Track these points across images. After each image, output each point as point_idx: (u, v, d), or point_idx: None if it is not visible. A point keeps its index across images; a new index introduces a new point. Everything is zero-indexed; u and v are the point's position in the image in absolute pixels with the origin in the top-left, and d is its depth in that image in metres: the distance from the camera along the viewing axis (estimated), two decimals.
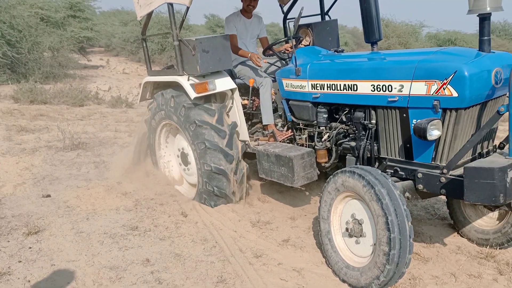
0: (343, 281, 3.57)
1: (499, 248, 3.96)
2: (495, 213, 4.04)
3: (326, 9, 5.70)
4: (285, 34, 5.93)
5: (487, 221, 4.11)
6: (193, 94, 4.56)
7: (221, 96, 4.92)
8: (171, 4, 4.54)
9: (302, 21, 5.41)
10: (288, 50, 4.92)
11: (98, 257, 3.81)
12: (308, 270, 3.74)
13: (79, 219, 4.46)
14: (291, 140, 4.82)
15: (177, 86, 4.83)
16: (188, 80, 4.64)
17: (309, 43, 5.28)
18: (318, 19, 5.70)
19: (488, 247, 4.00)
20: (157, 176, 5.39)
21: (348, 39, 26.54)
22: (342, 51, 4.69)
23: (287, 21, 4.42)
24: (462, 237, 4.27)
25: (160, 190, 5.13)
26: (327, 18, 5.67)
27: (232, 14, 5.38)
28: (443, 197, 4.75)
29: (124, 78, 17.74)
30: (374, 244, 3.31)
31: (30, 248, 3.91)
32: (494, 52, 3.38)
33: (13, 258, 3.73)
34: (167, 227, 4.39)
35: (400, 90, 3.53)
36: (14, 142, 6.97)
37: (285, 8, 5.93)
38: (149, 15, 5.08)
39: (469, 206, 4.20)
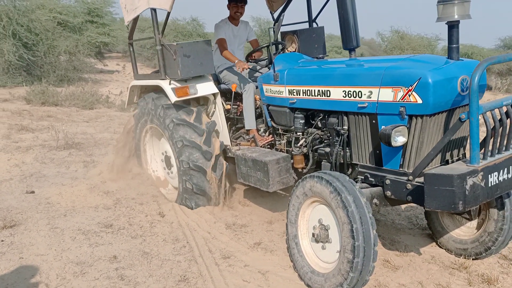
0: (308, 285, 3.55)
1: (476, 258, 3.92)
2: (473, 223, 3.99)
3: (313, 16, 5.72)
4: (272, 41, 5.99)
5: (465, 231, 4.06)
6: (173, 98, 4.63)
7: (204, 101, 4.96)
8: (154, 9, 4.65)
9: (289, 28, 5.45)
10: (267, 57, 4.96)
11: (67, 252, 3.88)
12: (274, 273, 3.74)
13: (56, 215, 4.55)
14: (272, 145, 4.84)
15: (160, 90, 4.90)
16: (170, 84, 4.71)
17: (295, 49, 5.31)
18: (305, 26, 5.73)
19: (466, 256, 3.95)
20: (142, 176, 5.45)
21: (364, 51, 26.45)
22: (323, 57, 4.71)
23: (270, 28, 4.45)
24: (441, 247, 4.21)
25: (143, 190, 5.19)
26: (314, 25, 5.69)
27: (221, 21, 5.46)
28: None
29: None
30: (339, 251, 3.30)
31: (2, 241, 4.00)
32: (462, 60, 3.36)
33: None
34: (142, 226, 4.44)
35: (369, 97, 3.53)
36: (11, 140, 7.15)
37: (275, 15, 5.98)
38: (135, 20, 5.18)
39: (447, 216, 4.15)
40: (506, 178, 3.10)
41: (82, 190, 5.12)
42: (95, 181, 5.40)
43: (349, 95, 3.69)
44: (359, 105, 3.62)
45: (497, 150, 3.13)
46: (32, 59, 13.97)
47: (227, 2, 5.36)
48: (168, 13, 4.51)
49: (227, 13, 5.44)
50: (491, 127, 3.06)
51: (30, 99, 11.28)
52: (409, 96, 3.24)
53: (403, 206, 5.26)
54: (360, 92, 3.60)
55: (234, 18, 5.39)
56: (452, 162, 3.60)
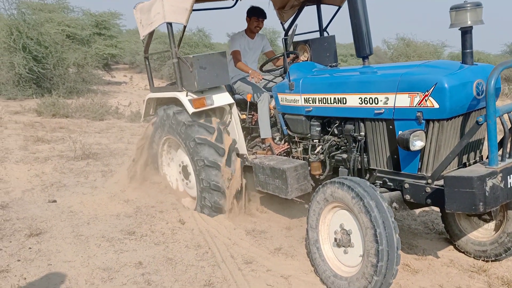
0: None
1: (496, 259, 3.97)
2: (491, 224, 4.05)
3: (324, 25, 5.84)
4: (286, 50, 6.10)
5: (483, 233, 4.12)
6: (191, 109, 4.74)
7: (220, 111, 5.07)
8: (170, 24, 4.77)
9: (301, 38, 5.57)
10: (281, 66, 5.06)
11: (93, 259, 3.97)
12: (296, 277, 3.81)
13: (80, 223, 4.66)
14: (288, 153, 4.92)
15: (177, 102, 5.00)
16: (187, 95, 4.82)
17: (307, 58, 5.42)
18: (316, 35, 5.84)
19: (485, 258, 4.00)
20: (160, 184, 5.55)
21: (370, 58, 26.44)
22: (336, 66, 4.81)
23: (284, 38, 4.56)
24: (459, 250, 4.26)
25: (162, 198, 5.28)
26: (325, 34, 5.80)
27: (238, 33, 5.59)
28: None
29: (145, 94, 17.97)
30: (362, 255, 3.37)
31: (30, 248, 4.10)
32: (476, 65, 3.46)
33: (13, 257, 3.92)
34: (164, 233, 4.53)
35: (385, 103, 3.62)
36: (29, 151, 7.28)
37: (286, 25, 6.10)
38: (151, 34, 5.30)
39: (464, 218, 4.21)
40: None
41: (103, 199, 5.23)
42: (115, 190, 5.50)
43: (365, 102, 3.79)
44: (376, 111, 3.71)
45: None
46: (42, 71, 14.12)
47: (246, 15, 5.48)
48: (184, 27, 4.62)
49: (232, 24, 5.58)
50: (509, 129, 3.14)
51: (41, 111, 11.41)
52: (426, 101, 3.33)
53: (417, 211, 5.33)
54: (376, 99, 3.70)
55: (252, 32, 5.51)
56: (470, 164, 3.68)
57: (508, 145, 3.20)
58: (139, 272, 3.79)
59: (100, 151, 7.57)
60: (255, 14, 5.41)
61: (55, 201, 5.29)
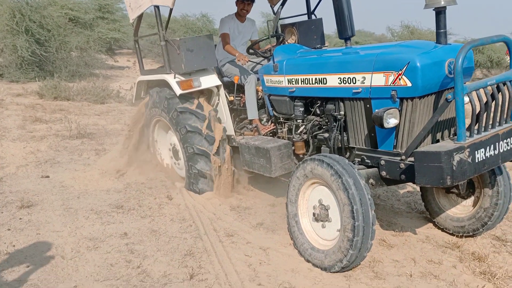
0: (308, 261, 3.76)
1: (474, 234, 4.11)
2: (468, 201, 4.19)
3: (312, 8, 5.90)
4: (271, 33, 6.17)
5: (461, 209, 4.25)
6: (178, 91, 4.87)
7: (208, 94, 5.20)
8: (157, 6, 4.88)
9: (289, 21, 5.64)
10: (269, 50, 5.15)
11: (80, 230, 4.15)
12: (274, 250, 3.96)
13: (70, 197, 4.83)
14: (274, 134, 5.04)
15: (166, 84, 5.12)
16: (175, 77, 4.94)
17: (295, 41, 5.50)
18: (304, 18, 5.91)
19: (464, 234, 4.14)
20: (151, 162, 5.69)
21: None
22: (321, 47, 4.90)
23: (269, 21, 4.66)
24: (438, 227, 4.39)
25: (152, 175, 5.44)
26: (313, 17, 5.88)
27: (227, 16, 5.66)
28: None
29: None
30: (339, 230, 3.50)
31: (20, 219, 4.29)
32: (450, 44, 3.55)
33: (3, 227, 4.11)
34: (151, 207, 4.69)
35: (362, 82, 3.73)
36: (26, 130, 7.46)
37: (275, 8, 6.16)
38: (140, 17, 5.41)
39: (443, 196, 4.34)
40: (493, 154, 3.29)
41: (94, 175, 5.40)
42: (106, 166, 5.66)
43: (344, 82, 3.89)
44: (354, 91, 3.81)
45: (483, 128, 3.31)
46: (44, 54, 14.21)
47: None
48: (171, 10, 4.72)
49: (235, 9, 5.63)
50: (477, 106, 3.24)
51: (42, 93, 11.54)
52: (400, 80, 3.43)
53: (401, 192, 5.46)
54: (354, 78, 3.80)
55: (240, 15, 5.59)
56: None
57: (477, 122, 3.30)
58: (123, 242, 3.96)
59: (96, 131, 7.73)
60: None
61: (48, 176, 5.46)
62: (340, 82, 3.93)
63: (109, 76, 16.99)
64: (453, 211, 4.29)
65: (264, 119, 5.19)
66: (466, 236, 4.14)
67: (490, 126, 3.38)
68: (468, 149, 3.14)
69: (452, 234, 4.24)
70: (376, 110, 3.54)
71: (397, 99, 3.51)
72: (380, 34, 32.36)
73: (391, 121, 3.48)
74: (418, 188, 5.40)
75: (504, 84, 3.42)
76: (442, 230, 4.34)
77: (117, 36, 20.34)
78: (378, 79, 3.61)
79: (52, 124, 8.08)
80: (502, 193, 3.91)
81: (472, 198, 4.15)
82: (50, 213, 4.44)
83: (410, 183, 4.39)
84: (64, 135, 7.29)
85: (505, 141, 3.40)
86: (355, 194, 3.29)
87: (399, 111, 3.53)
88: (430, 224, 4.51)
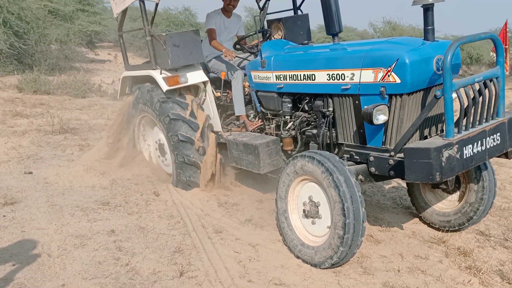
0: (298, 257, 3.77)
1: (459, 228, 4.17)
2: (454, 196, 4.25)
3: (298, 4, 5.89)
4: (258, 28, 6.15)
5: (447, 204, 4.31)
6: (165, 87, 4.82)
7: (195, 90, 5.15)
8: (143, 1, 4.81)
9: (275, 16, 5.63)
10: (257, 45, 5.14)
11: (66, 227, 4.09)
12: (263, 246, 3.96)
13: (55, 193, 4.75)
14: (261, 130, 5.03)
15: (152, 80, 5.07)
16: (161, 73, 4.88)
17: (281, 36, 5.49)
18: (291, 14, 5.91)
19: (449, 228, 4.20)
20: (136, 158, 5.63)
21: None
22: (308, 43, 4.89)
23: (256, 16, 4.62)
24: (425, 222, 4.44)
25: (138, 171, 5.38)
26: (299, 13, 5.87)
27: (213, 11, 5.61)
28: None
29: None
30: (330, 227, 3.51)
31: (4, 216, 4.20)
32: (437, 41, 3.58)
33: None
34: (138, 204, 4.65)
35: (351, 78, 3.74)
36: (7, 125, 7.31)
37: (261, 4, 6.14)
38: (124, 12, 5.33)
39: (429, 191, 4.39)
40: (480, 150, 3.33)
41: (78, 171, 5.32)
42: (90, 162, 5.58)
43: (333, 78, 3.90)
44: (343, 87, 3.82)
45: (471, 124, 3.36)
46: (23, 47, 13.94)
47: None
48: (157, 4, 4.65)
49: (219, 3, 5.59)
50: (465, 103, 3.28)
51: (22, 87, 11.33)
52: (389, 76, 3.45)
53: (387, 187, 5.51)
54: (343, 75, 3.81)
55: (227, 10, 5.54)
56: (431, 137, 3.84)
57: (464, 119, 3.34)
58: (111, 239, 3.91)
59: (78, 126, 7.62)
60: None
61: (31, 172, 5.36)
62: (328, 79, 3.94)
63: (90, 69, 16.76)
64: (439, 206, 4.34)
65: (251, 115, 5.18)
66: (451, 231, 4.20)
67: (477, 123, 3.42)
68: (457, 146, 3.17)
69: (438, 229, 4.29)
70: (366, 106, 3.55)
71: (386, 96, 3.53)
72: (362, 30, 32.57)
73: (380, 118, 3.50)
74: (403, 184, 5.47)
75: (491, 80, 3.47)
76: (428, 224, 4.40)
77: (98, 29, 20.02)
78: (367, 76, 3.62)
79: (34, 119, 7.94)
80: (487, 188, 3.97)
81: (458, 193, 4.21)
82: (35, 210, 4.36)
83: (395, 179, 4.43)
84: (47, 130, 7.17)
85: (491, 137, 3.45)
86: (346, 192, 3.31)
87: (388, 107, 3.55)
88: (416, 219, 4.56)
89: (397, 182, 5.55)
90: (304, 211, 3.72)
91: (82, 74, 14.34)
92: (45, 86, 11.46)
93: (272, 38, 5.43)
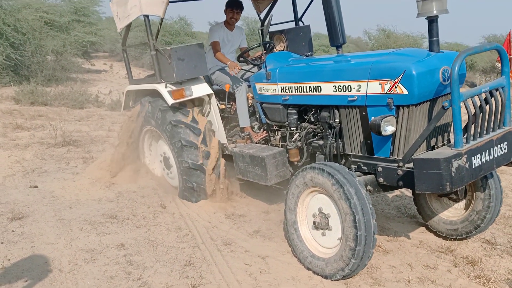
0: (308, 268, 3.78)
1: (467, 236, 4.19)
2: (460, 204, 4.27)
3: (299, 15, 5.95)
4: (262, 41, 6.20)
5: (454, 212, 4.33)
6: (170, 101, 4.83)
7: (199, 102, 5.18)
8: (147, 16, 4.84)
9: (277, 28, 5.67)
10: (260, 57, 5.18)
11: (76, 241, 4.08)
12: (273, 258, 3.97)
13: (62, 207, 4.75)
14: (266, 141, 5.05)
15: (156, 94, 5.07)
16: (166, 87, 4.90)
17: (283, 48, 5.53)
18: (292, 25, 5.95)
19: (457, 236, 4.22)
20: (141, 170, 5.63)
21: (351, 49, 26.82)
22: (311, 55, 4.94)
23: (260, 29, 4.65)
24: (431, 231, 4.46)
25: (143, 183, 5.39)
26: (300, 24, 5.92)
27: (216, 25, 5.66)
28: None
29: (126, 82, 17.65)
30: (340, 239, 3.52)
31: (13, 231, 4.19)
32: (442, 52, 3.64)
33: None
34: (145, 216, 4.64)
35: (358, 90, 3.77)
36: (9, 138, 7.29)
37: (262, 16, 6.19)
38: (128, 26, 5.35)
39: (435, 200, 4.42)
40: (488, 160, 3.37)
41: (84, 184, 5.32)
42: (96, 175, 5.58)
43: (339, 90, 3.93)
44: (349, 99, 3.85)
45: (478, 134, 3.39)
46: (19, 59, 13.92)
47: (224, 7, 5.52)
48: (162, 19, 4.68)
49: (214, 12, 5.62)
50: (472, 113, 3.32)
51: (19, 99, 11.31)
52: (396, 88, 3.49)
53: (391, 196, 5.54)
54: (349, 86, 3.84)
55: (229, 24, 5.58)
56: (438, 147, 3.88)
57: (472, 128, 3.38)
58: (121, 253, 3.91)
59: (80, 138, 7.61)
60: (232, 6, 5.47)
61: (36, 186, 5.35)
62: (335, 90, 3.97)
63: (87, 80, 16.75)
64: (446, 214, 4.37)
65: (256, 127, 5.20)
66: (459, 239, 4.23)
67: (484, 132, 3.46)
68: (466, 155, 3.20)
69: (445, 237, 4.32)
70: (373, 117, 3.58)
71: (393, 107, 3.57)
72: (357, 37, 32.79)
73: (388, 129, 3.54)
74: (406, 192, 5.51)
75: (497, 90, 3.52)
76: (435, 233, 4.42)
77: (94, 39, 20.05)
78: (374, 87, 3.66)
79: (35, 131, 7.92)
80: (493, 196, 4.01)
81: (464, 201, 4.24)
82: (43, 225, 4.35)
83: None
84: (49, 142, 7.16)
85: (499, 146, 3.49)
86: (357, 204, 3.33)
87: (396, 118, 3.59)
88: (422, 228, 4.59)
89: (400, 191, 5.59)
90: (314, 223, 3.73)
91: (79, 85, 14.33)
92: (42, 97, 11.46)
93: (275, 50, 5.47)
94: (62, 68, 15.73)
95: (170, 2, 4.60)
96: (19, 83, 13.21)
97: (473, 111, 3.32)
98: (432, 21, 3.45)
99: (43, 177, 5.71)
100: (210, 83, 5.49)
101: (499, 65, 3.83)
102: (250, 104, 5.23)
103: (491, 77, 21.91)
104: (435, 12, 3.37)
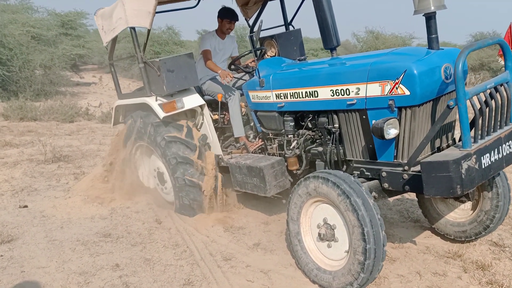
0: (314, 282, 3.61)
1: (476, 238, 4.05)
2: (467, 204, 4.12)
3: (289, 19, 5.81)
4: (253, 47, 6.05)
5: (461, 214, 4.18)
6: (161, 114, 4.66)
7: (191, 114, 5.02)
8: (133, 28, 4.67)
9: (267, 33, 5.53)
10: (252, 64, 5.02)
11: (68, 263, 3.88)
12: (276, 272, 3.80)
13: (53, 227, 4.55)
14: (263, 150, 4.89)
15: (147, 108, 4.90)
16: (156, 100, 4.73)
17: (275, 53, 5.38)
18: (282, 30, 5.80)
19: (465, 238, 4.08)
20: (135, 184, 5.44)
21: (340, 52, 26.73)
22: (305, 59, 4.79)
23: (250, 35, 4.50)
24: (439, 234, 4.31)
25: (137, 199, 5.19)
26: (291, 28, 5.78)
27: (209, 33, 5.49)
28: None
29: (116, 94, 17.85)
30: (348, 252, 3.36)
31: (1, 256, 3.98)
32: (443, 49, 3.50)
33: None
34: (140, 233, 4.46)
35: (357, 93, 3.62)
36: None
37: (251, 22, 6.05)
38: (114, 40, 5.18)
39: (441, 201, 4.26)
40: (497, 158, 3.22)
41: (76, 202, 5.12)
42: (88, 192, 5.38)
43: (337, 94, 3.77)
44: (348, 102, 3.69)
45: (486, 133, 3.25)
46: (7, 74, 13.78)
47: (217, 16, 5.35)
48: (149, 31, 4.51)
49: (202, 21, 5.48)
50: (479, 111, 3.18)
51: (8, 115, 11.15)
52: (397, 89, 3.34)
53: (392, 199, 5.38)
54: (348, 90, 3.68)
55: (223, 33, 5.42)
56: (443, 148, 3.72)
57: (479, 127, 3.24)
58: (116, 275, 3.71)
59: (71, 153, 7.41)
60: (228, 17, 5.31)
61: (26, 206, 5.15)
62: (332, 94, 3.82)
63: (76, 93, 16.57)
64: (453, 216, 4.22)
65: (251, 136, 5.04)
66: (467, 241, 4.10)
67: (492, 130, 3.32)
68: (475, 156, 3.05)
69: (453, 240, 4.18)
70: (375, 121, 3.43)
71: (395, 109, 3.41)
72: (345, 40, 32.76)
73: (391, 132, 3.38)
74: (407, 195, 5.35)
75: (501, 85, 3.39)
76: (443, 236, 4.27)
77: (82, 52, 19.91)
78: (373, 89, 3.50)
79: (24, 148, 7.71)
80: (502, 194, 3.87)
81: (471, 201, 4.08)
82: (34, 247, 4.15)
83: None
84: (39, 159, 6.95)
85: (507, 143, 3.35)
86: (365, 215, 3.15)
87: (398, 120, 3.44)
88: (427, 233, 4.45)
89: (401, 195, 5.43)
90: (319, 234, 3.54)
91: (69, 98, 14.15)
92: (31, 112, 11.30)
93: (266, 55, 5.32)
94: (51, 82, 15.59)
95: (157, 12, 4.43)
96: (8, 99, 13.02)
97: (479, 108, 3.18)
98: (430, 18, 3.31)
99: (33, 196, 5.50)
100: (202, 93, 5.32)
101: (501, 60, 3.71)
102: (244, 112, 5.06)
103: (480, 75, 21.95)
104: (432, 8, 3.22)
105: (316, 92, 3.96)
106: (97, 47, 22.11)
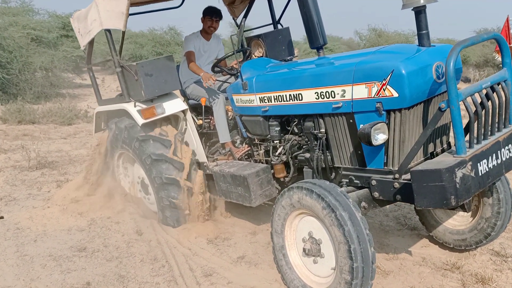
0: None
1: (477, 247, 3.81)
2: None
3: (277, 18, 5.55)
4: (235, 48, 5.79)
5: (460, 221, 3.93)
6: (141, 121, 4.43)
7: (174, 120, 4.77)
8: (108, 30, 4.46)
9: (254, 32, 5.25)
10: (236, 65, 4.73)
11: (36, 282, 3.64)
12: None
13: (26, 241, 4.31)
14: (250, 156, 4.62)
15: (127, 114, 4.67)
16: (135, 106, 4.49)
17: (262, 54, 5.10)
18: (270, 28, 5.53)
19: (466, 247, 3.83)
20: (117, 191, 5.19)
21: (344, 51, 26.45)
22: (292, 59, 4.50)
23: (232, 35, 4.20)
24: (437, 242, 4.05)
25: (120, 207, 4.93)
26: (279, 27, 5.50)
27: (192, 34, 5.21)
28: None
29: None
30: (335, 269, 3.09)
31: None
32: (434, 46, 3.20)
33: None
34: (118, 246, 4.21)
35: (343, 96, 3.34)
36: None
37: (238, 21, 5.77)
38: (91, 43, 4.99)
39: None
40: (495, 164, 2.95)
41: (54, 213, 4.87)
42: (67, 201, 5.13)
43: (322, 96, 3.50)
44: (334, 106, 3.42)
45: (482, 136, 2.96)
46: (6, 77, 13.65)
47: (201, 15, 5.11)
48: (123, 33, 4.27)
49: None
50: (474, 113, 2.88)
51: (6, 118, 11.01)
52: (384, 90, 3.06)
53: (388, 206, 5.07)
54: (333, 92, 3.41)
55: (207, 33, 5.15)
56: (437, 153, 3.43)
57: (475, 131, 2.93)
58: None
59: (58, 159, 7.18)
60: (209, 14, 5.04)
61: (2, 217, 4.91)
62: (317, 97, 3.53)
63: (76, 95, 16.42)
64: (451, 223, 3.96)
65: (238, 142, 4.76)
66: (468, 250, 3.84)
67: (489, 134, 3.03)
68: (470, 163, 2.77)
69: (452, 249, 3.92)
70: (362, 126, 3.15)
71: (383, 112, 3.13)
72: (348, 38, 32.41)
73: (379, 137, 3.09)
74: None
75: (499, 84, 3.08)
76: (442, 244, 4.01)
77: (83, 53, 19.65)
78: (359, 91, 3.22)
79: (12, 154, 7.49)
80: (503, 200, 3.59)
81: (467, 212, 3.77)
82: (2, 264, 3.90)
83: None
84: (23, 166, 6.72)
85: (506, 148, 3.06)
86: (352, 231, 2.87)
87: (387, 124, 3.14)
88: (424, 242, 4.18)
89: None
90: (304, 249, 3.27)
91: (68, 101, 13.97)
92: (30, 115, 11.15)
93: (253, 56, 5.04)
94: (51, 84, 15.43)
95: (131, 14, 4.18)
96: (7, 101, 12.88)
97: (473, 110, 2.87)
98: (419, 12, 3.04)
99: (10, 206, 5.26)
100: (186, 97, 5.05)
101: (498, 56, 3.39)
102: (231, 117, 4.77)
103: (485, 72, 21.45)
104: (422, 1, 2.97)
105: (300, 95, 3.68)
106: (99, 49, 21.92)
